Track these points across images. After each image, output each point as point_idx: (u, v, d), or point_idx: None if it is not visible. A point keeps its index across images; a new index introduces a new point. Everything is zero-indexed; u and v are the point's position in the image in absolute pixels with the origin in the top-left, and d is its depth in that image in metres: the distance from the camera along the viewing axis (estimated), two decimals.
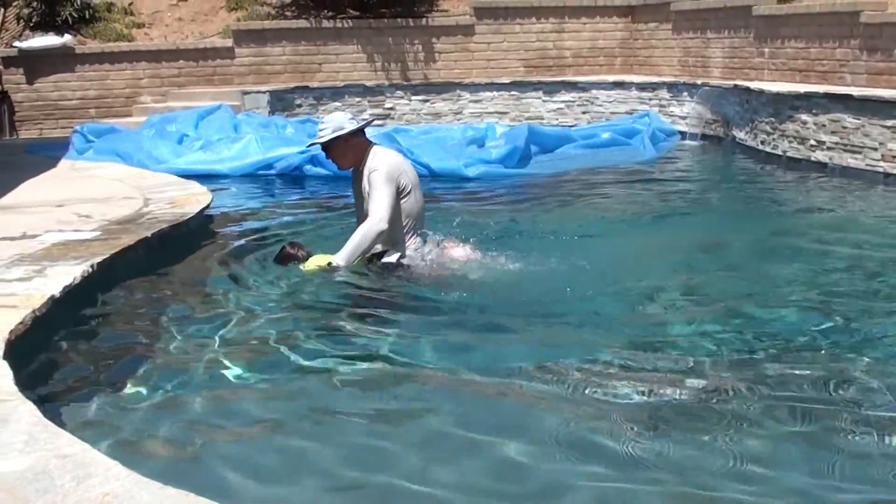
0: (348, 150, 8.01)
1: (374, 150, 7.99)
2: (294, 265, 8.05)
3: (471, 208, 11.60)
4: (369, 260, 7.93)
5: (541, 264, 8.22)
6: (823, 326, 6.59)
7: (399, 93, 20.06)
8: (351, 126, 7.95)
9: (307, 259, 8.00)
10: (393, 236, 7.92)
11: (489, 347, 6.46)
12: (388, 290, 7.65)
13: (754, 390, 5.43)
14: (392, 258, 7.96)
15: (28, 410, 4.26)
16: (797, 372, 5.70)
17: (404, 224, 7.97)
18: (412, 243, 8.04)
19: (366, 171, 7.87)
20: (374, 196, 7.77)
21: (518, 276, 7.95)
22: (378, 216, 7.71)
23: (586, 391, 5.46)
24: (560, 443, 4.83)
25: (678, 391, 5.46)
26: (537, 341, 6.59)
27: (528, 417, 5.22)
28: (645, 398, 5.38)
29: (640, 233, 10.17)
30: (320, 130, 8.08)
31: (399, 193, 7.86)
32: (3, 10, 20.19)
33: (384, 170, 7.78)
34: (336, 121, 8.06)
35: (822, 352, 6.07)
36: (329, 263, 7.78)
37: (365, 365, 6.02)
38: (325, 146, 8.05)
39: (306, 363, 6.07)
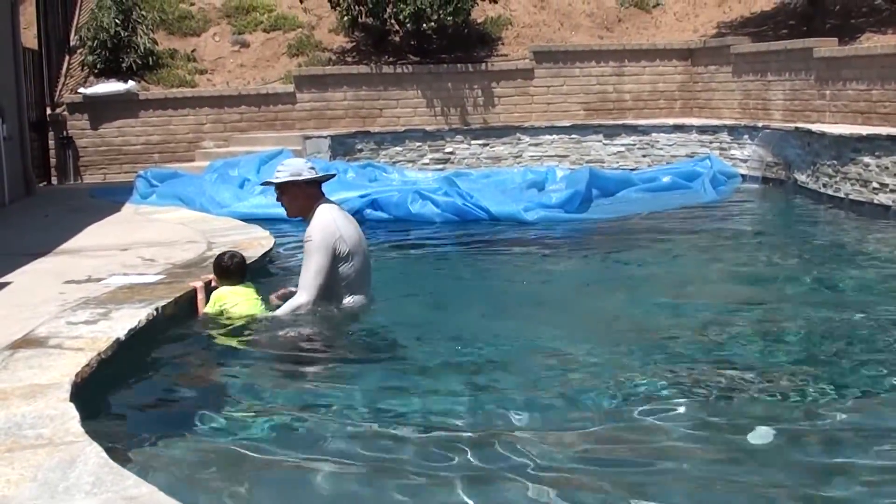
0: (299, 198, 7.96)
1: (319, 210, 7.87)
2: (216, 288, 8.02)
3: (531, 251, 11.62)
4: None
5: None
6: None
7: (459, 137, 20.11)
8: (307, 175, 7.94)
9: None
10: (328, 299, 7.82)
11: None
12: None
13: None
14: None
15: (95, 452, 4.31)
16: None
17: (342, 287, 7.88)
18: (349, 301, 7.95)
19: (306, 233, 7.82)
20: (305, 267, 7.77)
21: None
22: (305, 296, 7.70)
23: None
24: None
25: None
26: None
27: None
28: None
29: (701, 277, 10.12)
30: (277, 171, 8.07)
31: (335, 259, 7.76)
32: (68, 57, 20.52)
33: (318, 237, 7.72)
34: (294, 166, 8.07)
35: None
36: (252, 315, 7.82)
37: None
38: (279, 188, 8.01)
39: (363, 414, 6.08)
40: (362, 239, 8.09)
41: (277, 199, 8.15)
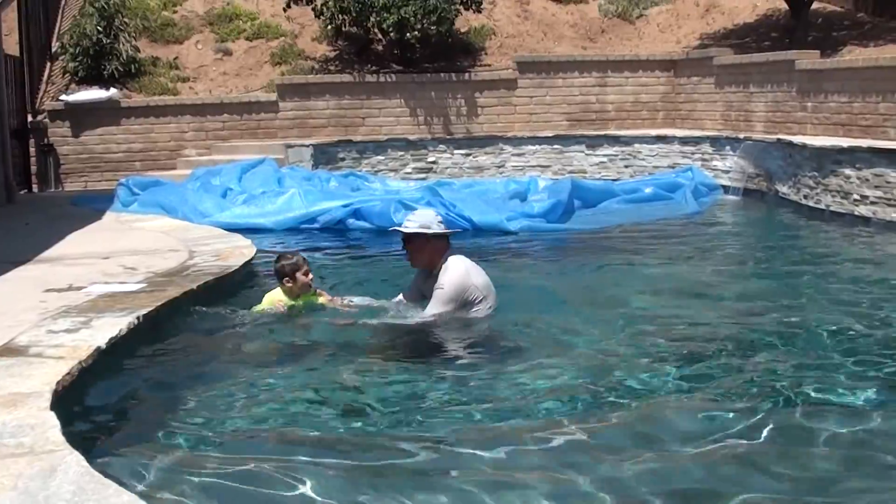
0: (426, 250, 8.02)
1: (451, 261, 7.95)
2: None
3: (513, 262, 11.63)
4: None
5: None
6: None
7: (442, 146, 20.11)
8: (436, 229, 7.97)
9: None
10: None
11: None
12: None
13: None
14: None
15: (76, 461, 4.29)
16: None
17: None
18: None
19: (438, 281, 7.90)
20: (433, 305, 7.87)
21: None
22: (431, 318, 7.85)
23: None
24: None
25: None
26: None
27: None
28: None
29: (679, 289, 10.12)
30: (407, 220, 8.13)
31: (466, 304, 7.90)
32: (49, 64, 20.44)
33: (450, 290, 7.83)
34: (425, 218, 8.09)
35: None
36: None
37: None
38: (406, 237, 8.06)
39: (350, 416, 6.10)
40: (491, 284, 8.13)
41: (403, 248, 8.24)
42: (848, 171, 13.92)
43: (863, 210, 13.57)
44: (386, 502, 4.87)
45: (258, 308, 8.40)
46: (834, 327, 8.11)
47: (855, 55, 17.61)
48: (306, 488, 5.00)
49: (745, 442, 5.60)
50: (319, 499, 4.90)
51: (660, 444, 5.60)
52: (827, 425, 5.77)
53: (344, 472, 5.23)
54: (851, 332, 7.96)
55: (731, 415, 5.98)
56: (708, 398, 6.38)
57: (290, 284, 8.30)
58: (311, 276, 8.41)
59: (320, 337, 7.95)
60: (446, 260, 7.94)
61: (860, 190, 13.64)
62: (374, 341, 7.78)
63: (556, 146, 20.17)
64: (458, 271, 7.89)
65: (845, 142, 14.57)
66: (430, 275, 8.03)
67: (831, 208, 14.28)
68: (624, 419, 5.98)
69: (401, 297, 8.44)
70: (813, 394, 6.34)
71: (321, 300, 8.49)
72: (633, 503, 4.88)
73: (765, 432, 5.71)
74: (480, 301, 7.94)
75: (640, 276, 10.83)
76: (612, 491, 4.94)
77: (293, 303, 8.33)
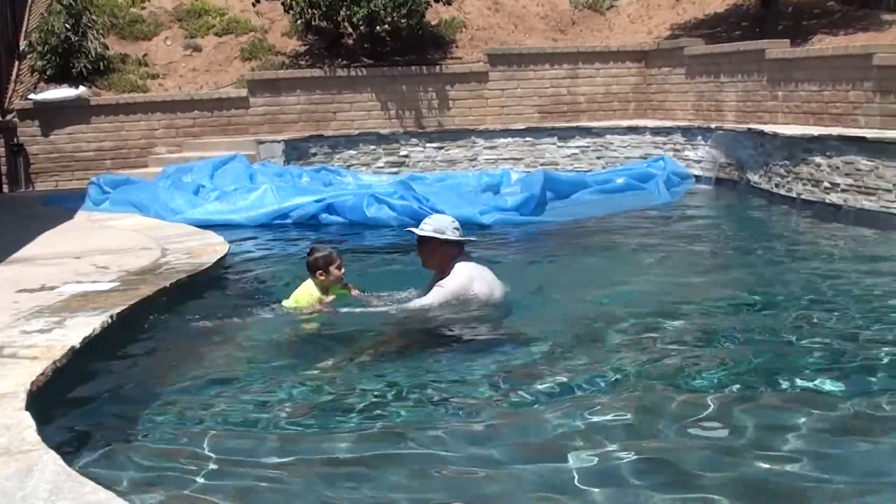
0: (437, 254, 8.20)
1: (457, 267, 8.13)
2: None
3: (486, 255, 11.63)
4: None
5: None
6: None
7: (414, 140, 20.09)
8: (450, 235, 8.14)
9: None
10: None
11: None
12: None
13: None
14: None
15: (52, 460, 4.27)
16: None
17: None
18: None
19: (439, 282, 8.11)
20: (428, 298, 8.06)
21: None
22: (430, 302, 8.03)
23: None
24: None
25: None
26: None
27: None
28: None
29: (651, 278, 10.16)
30: (423, 224, 8.29)
31: (465, 302, 8.08)
32: (17, 62, 20.32)
33: (449, 289, 8.03)
34: (440, 223, 8.26)
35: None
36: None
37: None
38: (419, 239, 8.24)
39: (327, 412, 6.11)
40: (495, 294, 8.28)
41: (417, 251, 8.42)
42: (818, 160, 13.97)
43: (833, 198, 13.61)
44: (365, 497, 4.88)
45: (291, 303, 8.40)
46: (805, 313, 8.19)
47: (825, 44, 17.68)
48: (285, 485, 5.01)
49: (717, 429, 5.64)
50: (299, 490, 4.92)
51: (636, 431, 5.63)
52: (797, 411, 5.82)
53: (321, 466, 5.25)
54: (817, 319, 8.01)
55: (703, 400, 6.02)
56: (679, 383, 6.41)
57: (322, 277, 8.33)
58: (343, 270, 8.44)
59: (308, 332, 8.02)
60: (455, 265, 8.12)
61: (831, 178, 13.69)
62: (355, 331, 7.89)
63: (528, 138, 20.19)
64: (462, 277, 8.09)
65: (816, 130, 14.61)
66: (441, 277, 8.18)
67: (802, 196, 14.33)
68: (595, 408, 5.98)
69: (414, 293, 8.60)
70: (781, 381, 6.40)
71: (353, 293, 8.54)
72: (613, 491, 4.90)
73: (734, 419, 5.75)
74: (476, 302, 8.12)
75: (613, 267, 10.85)
76: (589, 481, 4.97)
77: (327, 298, 8.35)
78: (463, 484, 5.04)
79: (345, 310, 8.19)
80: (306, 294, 8.36)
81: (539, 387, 6.45)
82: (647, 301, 8.93)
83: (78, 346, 6.27)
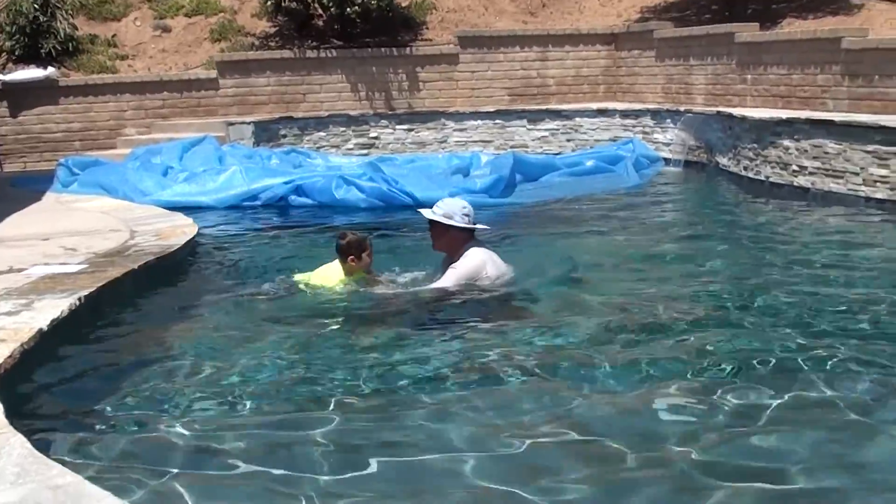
0: (445, 237, 8.32)
1: (471, 252, 8.25)
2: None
3: None
4: None
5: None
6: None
7: (383, 122, 20.07)
8: (459, 222, 8.22)
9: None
10: None
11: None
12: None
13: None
14: None
15: (19, 443, 4.27)
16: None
17: None
18: None
19: (452, 264, 8.24)
20: (443, 281, 8.18)
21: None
22: (445, 284, 8.16)
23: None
24: None
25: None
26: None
27: None
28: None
29: (621, 261, 10.20)
30: (435, 207, 8.38)
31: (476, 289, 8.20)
32: None
33: (462, 271, 8.15)
34: (451, 207, 8.32)
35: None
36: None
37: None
38: (430, 222, 8.34)
39: (295, 391, 6.13)
40: (506, 275, 8.40)
41: (429, 232, 8.50)
42: (787, 143, 14.05)
43: (801, 181, 13.70)
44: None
45: (311, 280, 8.52)
46: (775, 295, 8.24)
47: (794, 27, 17.73)
48: (253, 465, 5.02)
49: (687, 413, 5.69)
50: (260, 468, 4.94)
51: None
52: (767, 392, 5.88)
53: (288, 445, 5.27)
54: (788, 301, 8.05)
55: (672, 385, 6.07)
56: (652, 372, 6.42)
57: (353, 262, 8.36)
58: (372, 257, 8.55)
59: (328, 312, 8.09)
60: (468, 249, 8.24)
61: (799, 161, 13.77)
62: (374, 312, 8.06)
63: (497, 121, 20.19)
64: (475, 260, 8.23)
65: (784, 113, 14.69)
66: (452, 261, 8.28)
67: (771, 179, 14.41)
68: (567, 394, 6.02)
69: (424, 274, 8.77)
70: (757, 365, 6.41)
71: (378, 279, 8.62)
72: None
73: (712, 405, 5.78)
74: (487, 290, 8.21)
75: (582, 249, 10.85)
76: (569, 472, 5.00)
77: (351, 279, 8.41)
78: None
79: (364, 289, 8.32)
80: (334, 274, 8.42)
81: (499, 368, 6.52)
82: (613, 282, 9.02)
83: (46, 328, 6.27)
